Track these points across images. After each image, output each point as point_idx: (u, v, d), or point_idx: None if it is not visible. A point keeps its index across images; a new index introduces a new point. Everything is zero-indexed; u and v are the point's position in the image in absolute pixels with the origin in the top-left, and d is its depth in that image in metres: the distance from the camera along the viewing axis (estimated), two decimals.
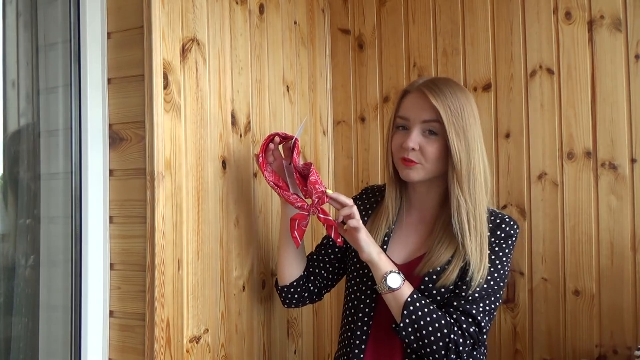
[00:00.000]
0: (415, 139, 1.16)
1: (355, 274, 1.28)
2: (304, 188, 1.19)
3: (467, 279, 1.13)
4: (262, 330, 1.49)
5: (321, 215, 1.16)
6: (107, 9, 1.18)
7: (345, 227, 1.17)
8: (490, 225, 1.17)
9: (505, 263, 1.16)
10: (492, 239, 1.17)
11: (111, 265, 1.17)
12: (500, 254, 1.16)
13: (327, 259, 1.36)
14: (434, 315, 1.10)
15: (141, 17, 1.13)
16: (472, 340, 1.11)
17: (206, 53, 1.29)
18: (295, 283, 1.33)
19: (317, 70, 1.90)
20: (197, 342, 1.23)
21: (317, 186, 1.15)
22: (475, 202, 1.14)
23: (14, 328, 1.13)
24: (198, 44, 1.26)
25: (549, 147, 1.65)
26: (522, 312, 1.67)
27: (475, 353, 1.18)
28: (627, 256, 1.55)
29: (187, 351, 1.20)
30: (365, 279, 1.25)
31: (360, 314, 1.23)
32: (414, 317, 1.10)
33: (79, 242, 1.15)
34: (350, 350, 1.23)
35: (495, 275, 1.15)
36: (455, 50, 1.78)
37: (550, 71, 1.65)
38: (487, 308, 1.13)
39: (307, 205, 1.19)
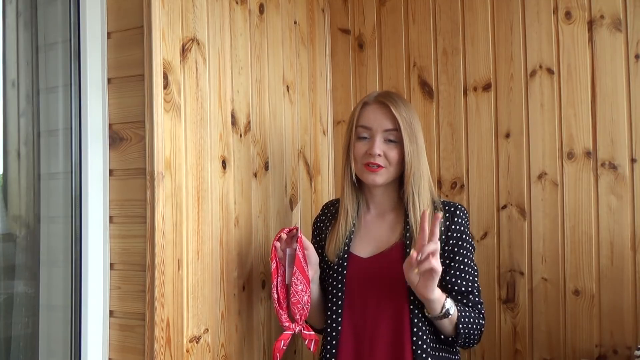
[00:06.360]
0: (380, 146, 1.28)
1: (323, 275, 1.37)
2: (286, 305, 1.28)
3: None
4: (262, 330, 1.49)
5: (305, 332, 1.30)
6: (107, 9, 1.18)
7: (423, 267, 1.13)
8: (447, 215, 1.31)
9: (470, 241, 1.32)
10: (453, 226, 1.30)
11: (111, 265, 1.17)
12: (464, 236, 1.31)
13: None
14: (472, 320, 1.25)
15: (141, 17, 1.13)
16: (484, 312, 1.31)
17: (206, 53, 1.29)
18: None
19: (317, 70, 1.89)
20: (197, 342, 1.23)
21: (298, 305, 1.26)
22: (423, 195, 1.30)
23: (14, 328, 1.13)
24: (198, 43, 1.26)
25: (549, 147, 1.65)
26: (522, 312, 1.67)
27: None
28: (627, 256, 1.55)
29: (187, 351, 1.20)
30: (328, 273, 1.34)
31: (332, 307, 1.31)
32: (465, 329, 1.23)
33: (79, 242, 1.15)
34: (329, 332, 1.30)
35: (470, 254, 1.31)
36: (455, 50, 1.78)
37: (550, 71, 1.65)
38: (477, 284, 1.30)
39: (292, 324, 1.28)
